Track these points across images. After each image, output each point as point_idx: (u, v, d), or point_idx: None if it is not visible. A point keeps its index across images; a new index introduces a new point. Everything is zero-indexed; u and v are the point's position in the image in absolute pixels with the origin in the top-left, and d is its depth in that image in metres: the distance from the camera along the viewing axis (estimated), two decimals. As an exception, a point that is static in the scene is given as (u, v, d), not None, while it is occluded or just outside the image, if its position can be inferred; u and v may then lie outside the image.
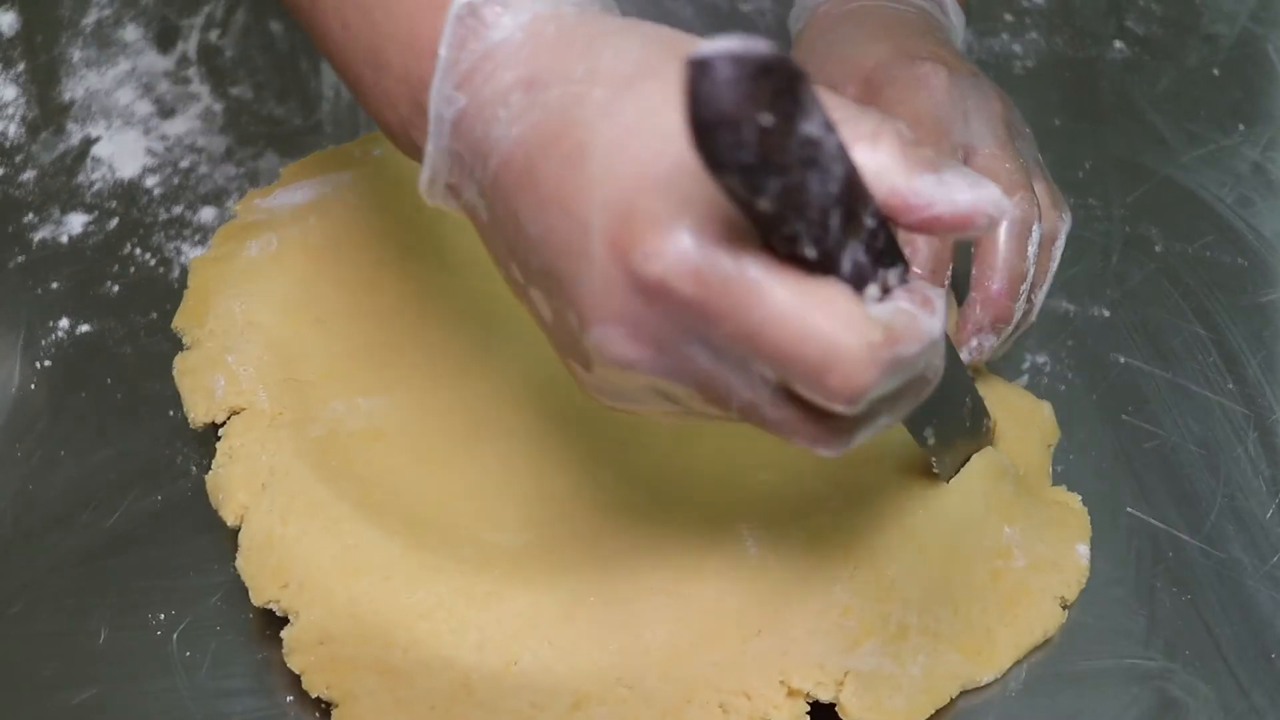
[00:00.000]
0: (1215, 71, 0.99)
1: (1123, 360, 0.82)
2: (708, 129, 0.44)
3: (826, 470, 0.70)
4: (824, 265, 0.49)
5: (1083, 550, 0.72)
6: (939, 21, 0.83)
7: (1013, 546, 0.70)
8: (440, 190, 0.60)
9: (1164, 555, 0.73)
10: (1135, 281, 0.86)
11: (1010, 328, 0.73)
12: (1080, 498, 0.74)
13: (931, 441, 0.67)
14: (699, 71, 0.43)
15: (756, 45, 0.43)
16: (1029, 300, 0.74)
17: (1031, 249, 0.73)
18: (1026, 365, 0.81)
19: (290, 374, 0.74)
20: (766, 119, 0.44)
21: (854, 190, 0.48)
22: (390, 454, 0.72)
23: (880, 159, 0.50)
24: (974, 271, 0.73)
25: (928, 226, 0.51)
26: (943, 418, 0.67)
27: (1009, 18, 1.01)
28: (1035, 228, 0.73)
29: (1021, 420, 0.76)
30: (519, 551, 0.67)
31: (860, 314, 0.49)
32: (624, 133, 0.51)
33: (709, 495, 0.70)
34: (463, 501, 0.70)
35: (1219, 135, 0.94)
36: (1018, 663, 0.69)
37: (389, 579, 0.66)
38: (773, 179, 0.46)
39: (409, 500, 0.70)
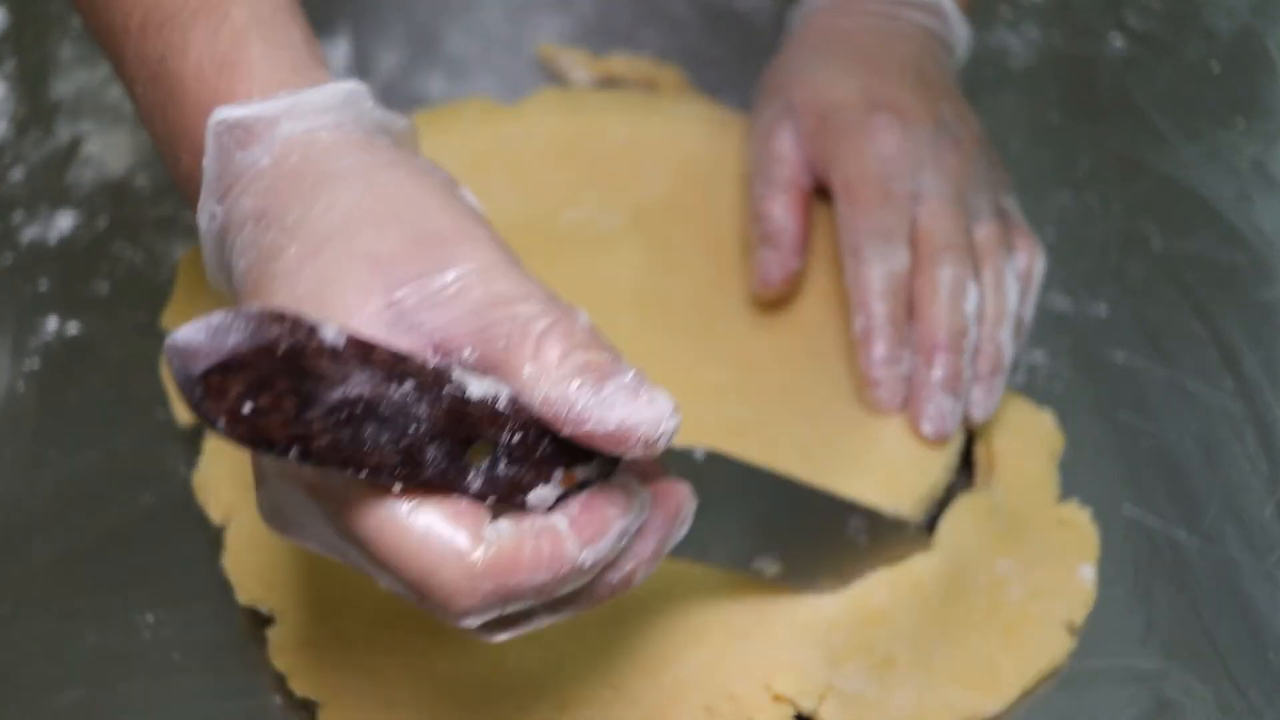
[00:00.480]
0: (1215, 67, 0.98)
1: (1121, 358, 0.81)
2: (197, 412, 0.44)
3: (817, 472, 0.69)
4: (444, 484, 0.49)
5: (1086, 571, 0.71)
6: (939, 39, 0.82)
7: (1008, 579, 0.69)
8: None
9: (1161, 554, 0.73)
10: (1133, 279, 0.85)
11: (983, 387, 0.73)
12: (1089, 511, 0.73)
13: (774, 571, 0.65)
14: (172, 356, 0.43)
15: (228, 338, 0.43)
16: (992, 346, 0.73)
17: (969, 305, 0.72)
18: (1023, 363, 0.80)
19: None
20: (249, 406, 0.44)
21: (461, 420, 0.48)
22: None
23: (539, 365, 0.49)
24: (912, 339, 0.72)
25: (586, 441, 0.49)
26: (793, 549, 0.65)
27: (1006, 13, 1.01)
28: (970, 285, 0.72)
29: (1021, 434, 0.75)
30: None
31: (460, 544, 0.48)
32: (293, 303, 0.51)
33: None
34: None
35: (1218, 131, 0.94)
36: (1027, 693, 0.68)
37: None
38: (297, 447, 0.45)
39: None
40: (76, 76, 0.95)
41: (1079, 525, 0.72)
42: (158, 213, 0.88)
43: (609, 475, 0.52)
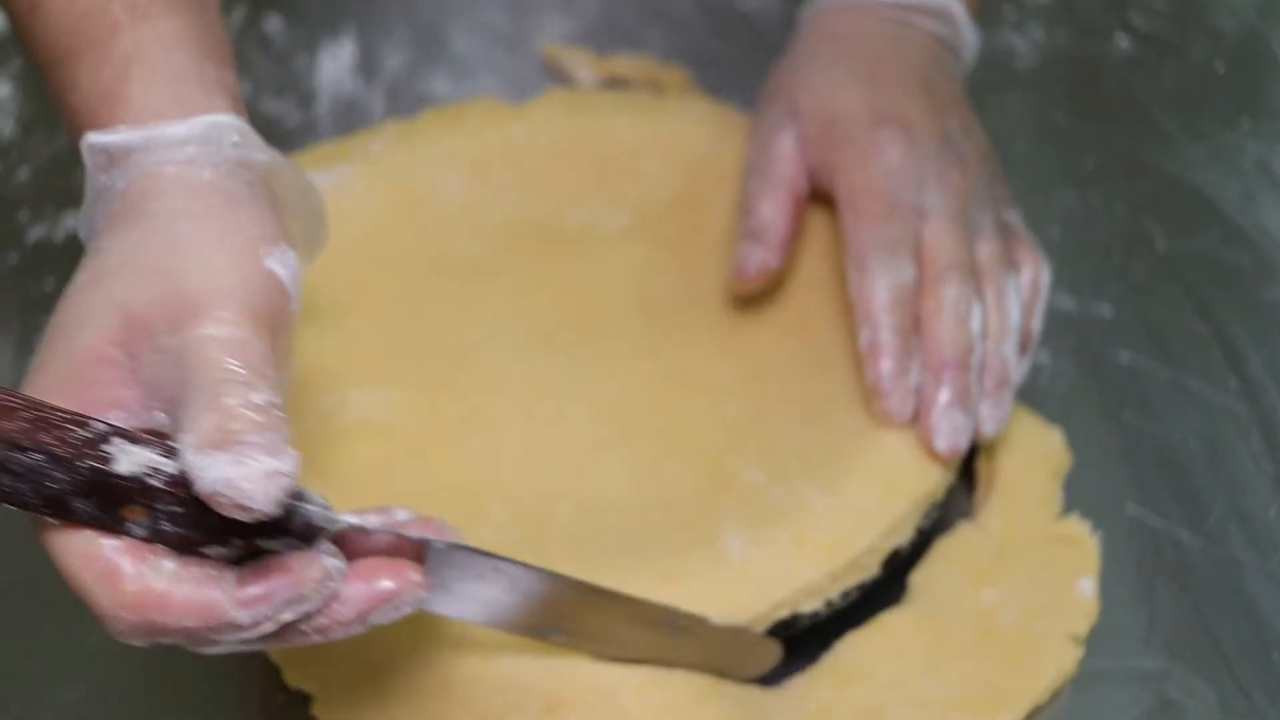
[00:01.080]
0: (1220, 68, 0.98)
1: (1125, 358, 0.81)
2: None
3: (816, 474, 0.69)
4: (104, 527, 0.52)
5: (1086, 585, 0.70)
6: (947, 46, 0.82)
7: (999, 605, 0.69)
8: None
9: (1165, 554, 0.73)
10: (1138, 278, 0.85)
11: (991, 402, 0.73)
12: (1090, 525, 0.73)
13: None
14: None
15: None
16: (997, 362, 0.73)
17: (974, 323, 0.72)
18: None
19: None
20: None
21: (106, 488, 0.51)
22: (378, 450, 0.72)
23: (190, 437, 0.51)
24: (919, 354, 0.72)
25: (209, 503, 0.51)
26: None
27: (1011, 14, 1.01)
28: (974, 303, 0.72)
29: (1024, 449, 0.75)
30: (501, 548, 0.67)
31: (114, 573, 0.52)
32: (53, 328, 0.56)
33: (697, 496, 0.70)
34: (448, 495, 0.70)
35: (1223, 131, 0.94)
36: (1039, 707, 0.67)
37: None
38: None
39: (395, 497, 0.69)
40: (82, 76, 0.95)
41: (1079, 540, 0.72)
42: (163, 212, 0.88)
43: (307, 543, 0.54)
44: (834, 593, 0.68)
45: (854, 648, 0.68)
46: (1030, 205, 0.88)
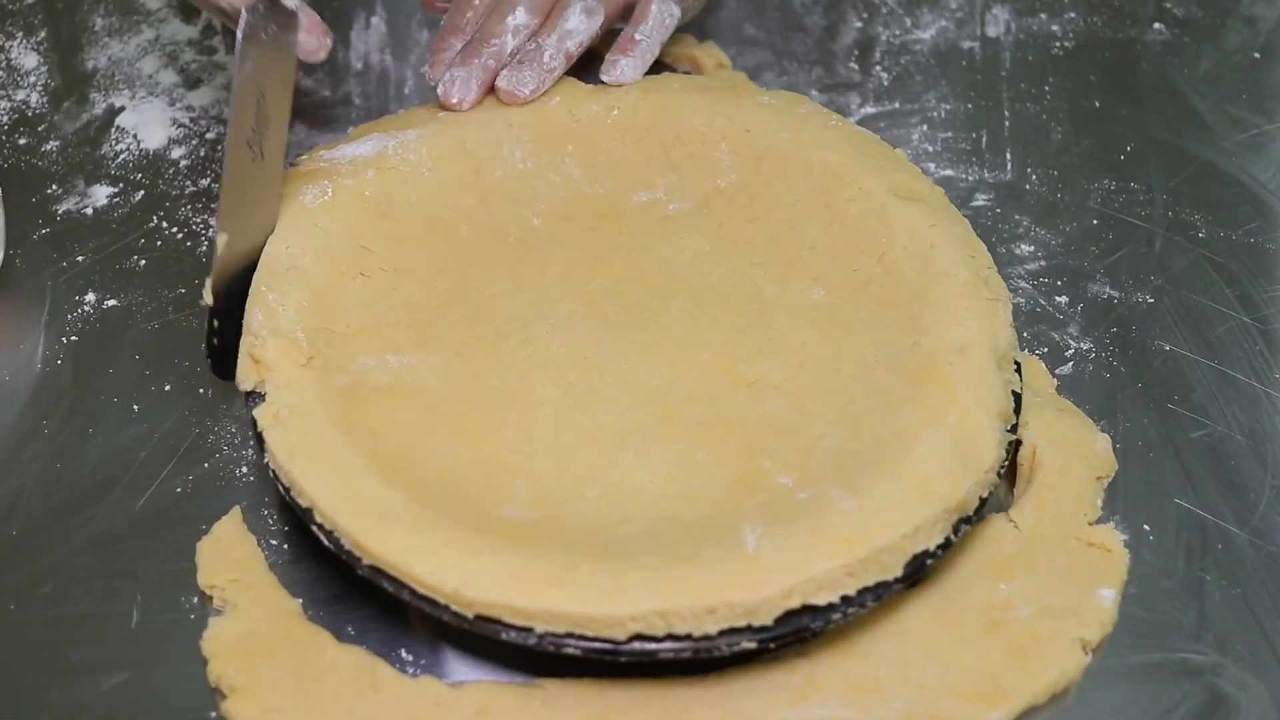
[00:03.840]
0: (1256, 54, 0.98)
1: (1167, 348, 0.81)
2: None
3: (846, 478, 0.68)
4: None
5: (1106, 594, 0.69)
6: None
7: (1012, 599, 0.68)
8: None
9: (1213, 547, 0.72)
10: (1179, 268, 0.84)
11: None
12: (1125, 539, 0.71)
13: None
14: None
15: None
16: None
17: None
18: (1071, 352, 0.80)
19: (325, 323, 0.73)
20: None
21: None
22: (410, 412, 0.71)
23: None
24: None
25: None
26: None
27: (1048, -2, 1.00)
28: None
29: (1068, 449, 0.74)
30: (519, 529, 0.66)
31: None
32: None
33: (725, 495, 0.69)
34: (475, 470, 0.69)
35: (1261, 119, 0.93)
36: (1036, 706, 0.66)
37: (388, 523, 0.65)
38: None
39: (420, 460, 0.69)
40: (109, 47, 0.94)
41: (1109, 548, 0.71)
42: (195, 187, 0.87)
43: None
44: (851, 588, 0.66)
45: (857, 623, 0.67)
46: (1068, 192, 0.88)
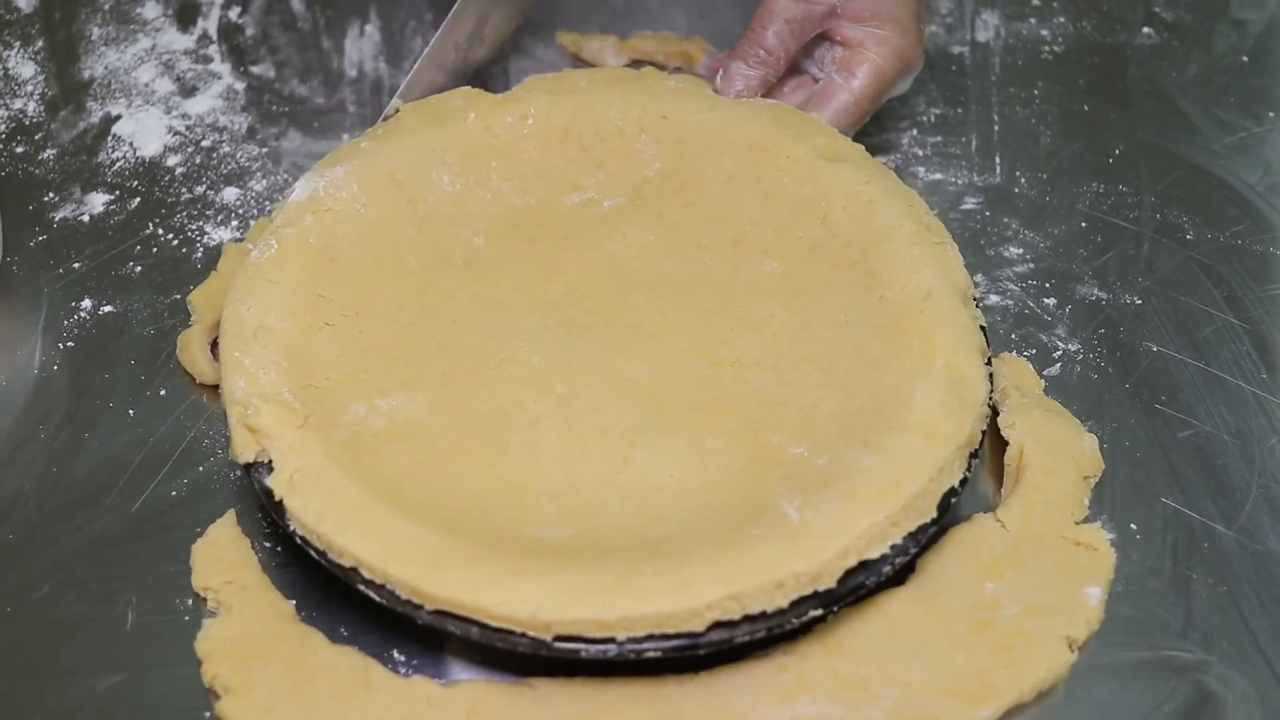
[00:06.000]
0: (1244, 58, 0.98)
1: (1155, 349, 0.81)
2: None
3: (858, 437, 0.69)
4: None
5: (1093, 592, 0.70)
6: None
7: (999, 598, 0.69)
8: None
9: (1200, 546, 0.73)
10: (1167, 270, 0.85)
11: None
12: (1112, 538, 0.72)
13: None
14: None
15: None
16: None
17: None
18: (1059, 353, 0.81)
19: (308, 380, 0.72)
20: None
21: None
22: (415, 453, 0.71)
23: None
24: None
25: None
26: None
27: (1037, 2, 1.01)
28: None
29: (1056, 449, 0.74)
30: (563, 550, 0.67)
31: None
32: None
33: (746, 474, 0.70)
34: (496, 497, 0.70)
35: (1249, 122, 0.94)
36: (1023, 704, 0.67)
37: (440, 564, 0.65)
38: None
39: (442, 498, 0.69)
40: (106, 56, 0.95)
41: (1097, 547, 0.72)
42: (190, 194, 0.87)
43: None
44: (898, 536, 0.67)
45: (846, 622, 0.68)
46: (1057, 195, 0.89)
